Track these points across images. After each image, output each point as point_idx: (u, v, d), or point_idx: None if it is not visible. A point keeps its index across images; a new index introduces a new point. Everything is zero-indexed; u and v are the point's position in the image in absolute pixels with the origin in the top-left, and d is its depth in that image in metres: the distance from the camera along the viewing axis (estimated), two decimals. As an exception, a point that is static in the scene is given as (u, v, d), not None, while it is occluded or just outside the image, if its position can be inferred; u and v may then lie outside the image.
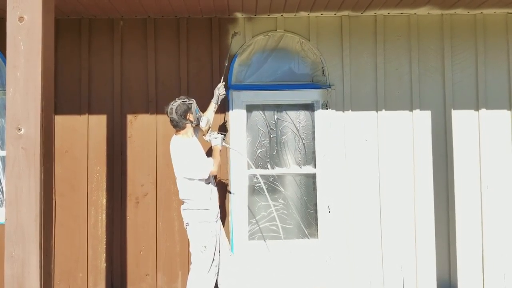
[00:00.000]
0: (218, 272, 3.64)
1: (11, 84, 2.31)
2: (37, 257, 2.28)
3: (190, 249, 3.63)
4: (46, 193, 2.36)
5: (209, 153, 3.82)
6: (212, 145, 3.75)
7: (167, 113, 3.62)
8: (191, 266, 3.62)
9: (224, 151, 4.25)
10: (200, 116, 3.68)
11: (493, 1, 4.02)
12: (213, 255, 3.55)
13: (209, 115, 3.87)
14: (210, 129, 3.90)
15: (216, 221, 3.61)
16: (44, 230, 2.33)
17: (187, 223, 3.59)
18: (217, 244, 3.59)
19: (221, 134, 3.82)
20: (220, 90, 3.93)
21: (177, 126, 3.61)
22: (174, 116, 3.56)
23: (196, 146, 3.62)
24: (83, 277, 4.21)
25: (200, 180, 3.53)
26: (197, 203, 3.55)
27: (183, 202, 3.65)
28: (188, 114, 3.59)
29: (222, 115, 4.29)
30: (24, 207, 2.29)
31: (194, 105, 3.63)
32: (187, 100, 3.62)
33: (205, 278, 3.53)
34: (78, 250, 4.21)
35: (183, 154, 3.54)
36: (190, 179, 3.54)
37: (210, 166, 3.55)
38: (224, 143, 3.81)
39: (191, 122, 3.62)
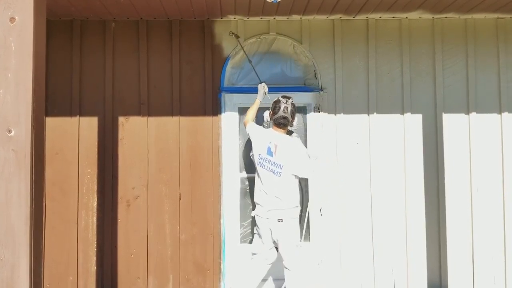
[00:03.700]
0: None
1: (1, 86, 2.29)
2: (27, 261, 2.25)
3: (283, 247, 3.59)
4: (36, 196, 2.33)
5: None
6: None
7: (277, 113, 3.64)
8: (290, 264, 3.59)
9: (217, 153, 4.25)
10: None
11: (484, 6, 4.06)
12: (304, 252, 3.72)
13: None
14: (291, 131, 3.98)
15: None
16: (34, 233, 2.30)
17: (281, 219, 3.57)
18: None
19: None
20: (265, 88, 3.96)
21: (285, 125, 3.70)
22: (288, 115, 3.64)
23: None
24: (73, 280, 4.17)
25: (303, 178, 3.69)
26: (292, 201, 3.62)
27: (269, 202, 3.63)
28: (295, 115, 3.71)
29: (215, 118, 4.28)
30: (14, 210, 2.26)
31: None
32: (293, 99, 3.72)
33: (305, 274, 3.63)
34: (69, 253, 4.17)
35: (302, 153, 3.65)
36: (296, 177, 3.61)
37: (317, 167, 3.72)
38: None
39: (292, 122, 3.73)
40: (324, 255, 4.28)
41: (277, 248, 3.67)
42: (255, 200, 3.75)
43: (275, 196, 3.60)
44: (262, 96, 3.92)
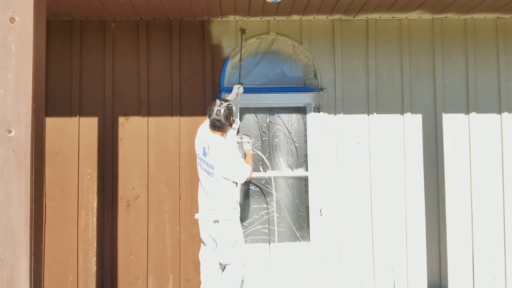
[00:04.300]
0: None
1: (1, 86, 2.29)
2: (27, 261, 2.25)
3: (220, 249, 3.60)
4: (36, 196, 2.33)
5: None
6: (244, 149, 3.85)
7: (211, 115, 3.63)
8: (226, 261, 3.60)
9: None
10: (235, 119, 3.79)
11: (483, 6, 4.07)
12: (243, 250, 3.66)
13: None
14: (238, 131, 3.95)
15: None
16: (34, 233, 2.30)
17: (217, 220, 3.57)
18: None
19: (249, 137, 3.93)
20: (240, 90, 3.96)
21: (220, 128, 3.67)
22: (222, 118, 3.61)
23: (237, 149, 3.74)
24: (73, 280, 4.17)
25: (234, 182, 3.63)
26: (227, 203, 3.61)
27: (207, 202, 3.64)
28: (231, 117, 3.69)
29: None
30: (14, 210, 2.26)
31: (233, 107, 3.73)
32: (230, 103, 3.70)
33: (240, 272, 3.61)
34: (69, 253, 4.17)
35: (231, 157, 3.62)
36: (227, 179, 3.59)
37: (250, 171, 3.66)
38: (253, 148, 3.94)
39: (231, 124, 3.72)
40: (324, 255, 4.28)
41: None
42: (198, 200, 3.77)
43: (211, 196, 3.62)
44: (233, 97, 3.93)
